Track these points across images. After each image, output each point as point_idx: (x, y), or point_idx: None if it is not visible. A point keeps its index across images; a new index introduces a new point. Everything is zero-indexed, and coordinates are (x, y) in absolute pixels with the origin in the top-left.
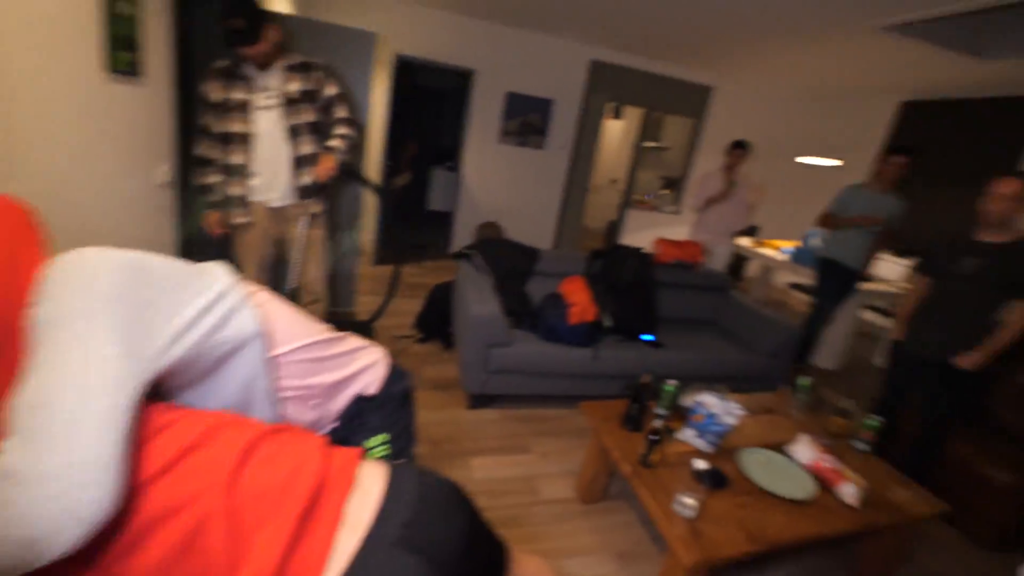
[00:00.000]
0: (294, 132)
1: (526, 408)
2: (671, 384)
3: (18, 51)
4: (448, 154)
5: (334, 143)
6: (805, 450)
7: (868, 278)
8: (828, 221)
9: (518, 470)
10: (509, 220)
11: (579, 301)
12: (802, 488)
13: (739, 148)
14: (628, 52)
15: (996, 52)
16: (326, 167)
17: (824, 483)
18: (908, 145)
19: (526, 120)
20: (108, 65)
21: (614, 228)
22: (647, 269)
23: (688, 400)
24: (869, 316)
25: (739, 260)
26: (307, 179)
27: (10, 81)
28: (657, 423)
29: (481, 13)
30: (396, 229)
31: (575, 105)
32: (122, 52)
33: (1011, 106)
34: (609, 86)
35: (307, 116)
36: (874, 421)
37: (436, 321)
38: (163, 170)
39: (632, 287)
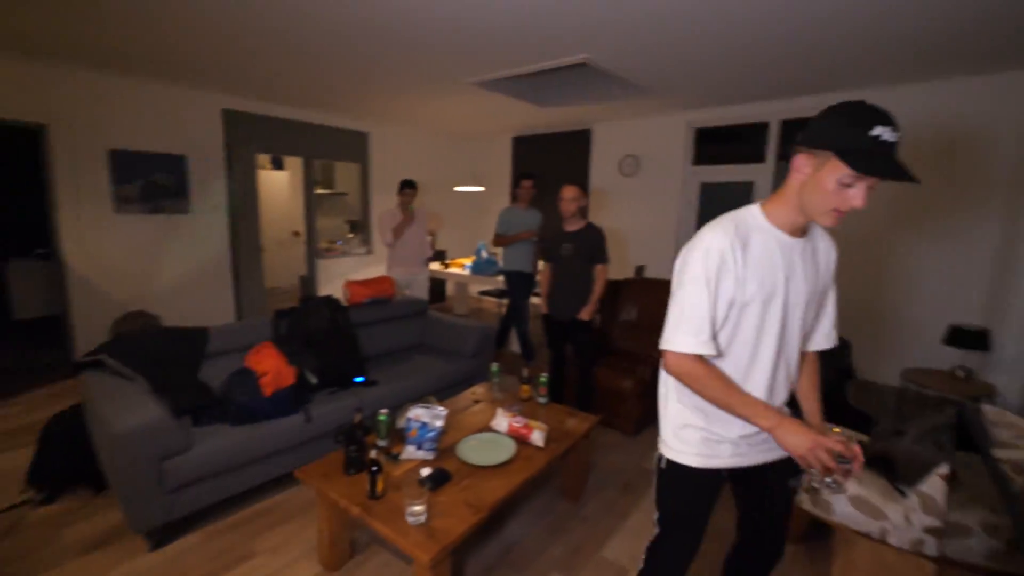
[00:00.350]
0: None
1: (237, 510)
2: (382, 413)
3: None
4: (34, 238)
5: None
6: (502, 421)
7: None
8: (500, 241)
9: None
10: (166, 304)
11: (270, 368)
12: (506, 451)
13: (408, 188)
14: (270, 101)
15: (549, 101)
16: None
17: (521, 440)
18: (530, 171)
19: (151, 182)
20: None
21: (308, 282)
22: (341, 314)
23: (402, 421)
24: (537, 301)
25: (437, 283)
26: None
27: None
28: (373, 453)
29: (44, 53)
30: None
31: (218, 159)
32: None
33: (575, 136)
34: (255, 136)
35: None
36: (544, 378)
37: (65, 465)
38: None
39: (330, 336)
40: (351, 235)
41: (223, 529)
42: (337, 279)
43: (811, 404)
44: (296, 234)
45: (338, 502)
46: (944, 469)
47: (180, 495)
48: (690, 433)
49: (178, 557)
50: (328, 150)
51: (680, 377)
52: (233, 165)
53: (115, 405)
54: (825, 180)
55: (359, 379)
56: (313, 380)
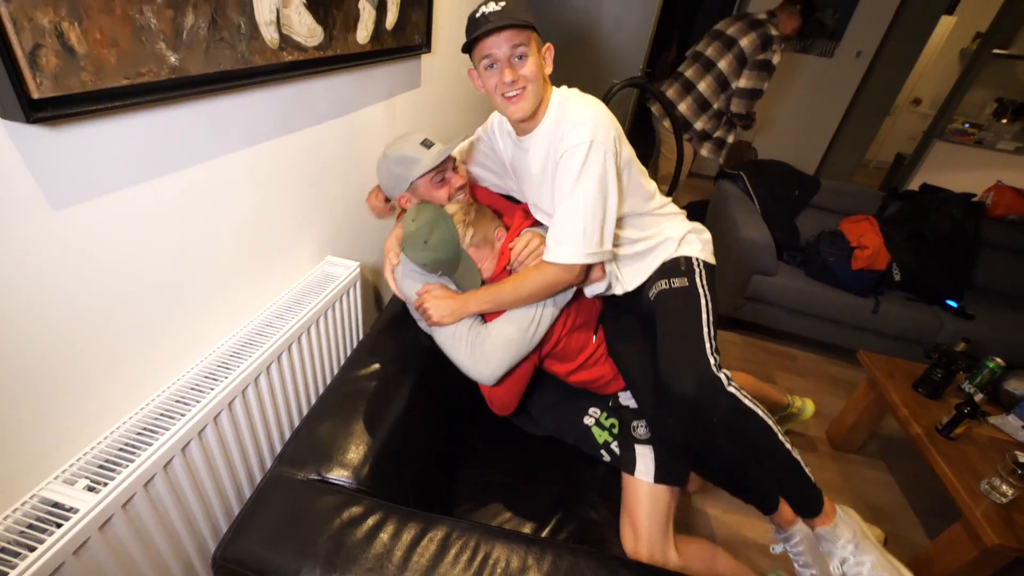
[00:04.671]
0: None
1: (772, 342)
2: (994, 361)
3: None
4: None
5: None
6: None
7: None
8: None
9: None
10: (764, 142)
11: (870, 245)
12: None
13: None
14: None
15: None
16: None
17: None
18: None
19: (816, 18)
20: None
21: (903, 164)
22: (973, 222)
23: (1016, 387)
24: None
25: None
26: None
27: None
28: (972, 392)
29: None
30: None
31: None
32: None
33: None
34: None
35: None
36: None
37: None
38: None
39: (946, 241)
40: (1002, 121)
41: (758, 347)
42: (946, 172)
43: None
44: (915, 102)
45: (897, 410)
46: None
47: (748, 304)
48: None
49: (724, 343)
50: None
51: None
52: (907, 4)
53: (741, 214)
54: (478, 76)
55: (952, 303)
56: (896, 276)
